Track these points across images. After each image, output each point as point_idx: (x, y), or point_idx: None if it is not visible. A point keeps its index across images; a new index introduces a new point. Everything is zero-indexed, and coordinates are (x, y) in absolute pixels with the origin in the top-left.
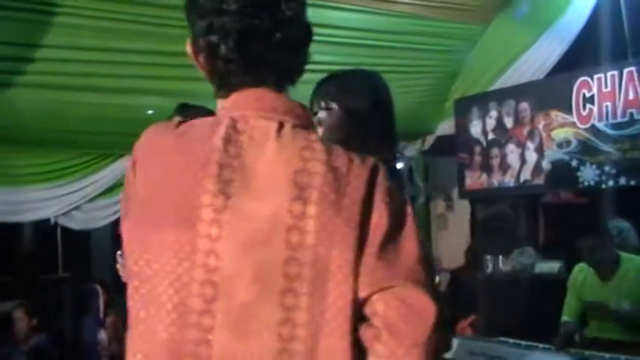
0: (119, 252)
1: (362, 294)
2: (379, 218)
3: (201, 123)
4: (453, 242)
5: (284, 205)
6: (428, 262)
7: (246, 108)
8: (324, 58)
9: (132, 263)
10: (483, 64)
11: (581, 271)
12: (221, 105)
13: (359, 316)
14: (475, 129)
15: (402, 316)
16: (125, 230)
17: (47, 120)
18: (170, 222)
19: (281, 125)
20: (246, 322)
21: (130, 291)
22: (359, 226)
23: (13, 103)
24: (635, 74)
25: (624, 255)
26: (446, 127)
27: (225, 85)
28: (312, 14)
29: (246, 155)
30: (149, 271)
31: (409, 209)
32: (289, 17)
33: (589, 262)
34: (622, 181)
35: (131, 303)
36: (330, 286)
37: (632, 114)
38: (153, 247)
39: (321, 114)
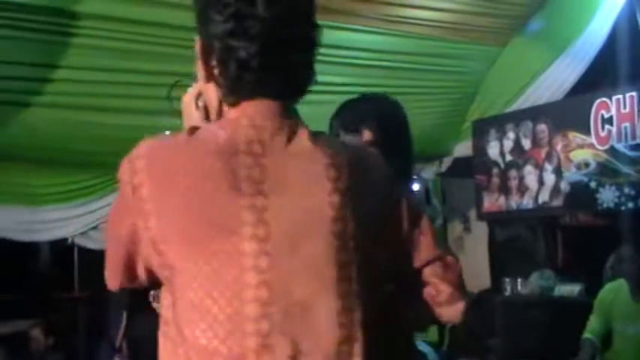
0: (152, 292)
1: (414, 265)
2: (399, 202)
3: (213, 130)
4: (471, 264)
5: (323, 198)
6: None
7: (261, 113)
8: (342, 79)
9: (168, 279)
10: (501, 85)
11: (611, 290)
12: (230, 112)
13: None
14: (493, 150)
15: (454, 282)
16: (150, 248)
17: (65, 140)
18: (209, 232)
19: (297, 128)
20: (306, 317)
21: (167, 308)
22: (385, 211)
23: (31, 123)
24: None
25: None
26: (463, 148)
27: (235, 91)
28: (331, 36)
29: (271, 155)
30: (194, 284)
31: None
32: (311, 36)
33: (625, 275)
34: None
35: (171, 320)
36: (368, 267)
37: None
38: (194, 261)
39: (347, 137)
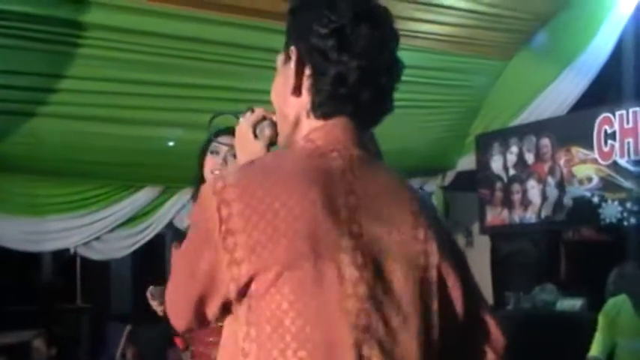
0: (151, 288)
1: (482, 314)
2: (456, 249)
3: (304, 155)
4: None
5: (408, 231)
6: None
7: (345, 141)
8: None
9: (266, 308)
10: (505, 99)
11: (616, 304)
12: (309, 128)
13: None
14: (496, 164)
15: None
16: (234, 282)
17: (68, 150)
18: (310, 256)
19: (368, 157)
20: (396, 347)
21: (244, 339)
22: (453, 250)
23: (36, 133)
24: None
25: None
26: (467, 162)
27: (325, 105)
28: None
29: (360, 183)
30: (291, 312)
31: None
32: (399, 63)
33: (627, 292)
34: None
35: (254, 349)
36: (447, 300)
37: None
38: (293, 288)
39: None
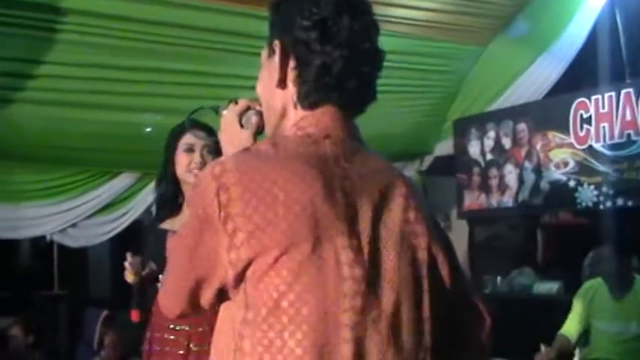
0: (129, 253)
1: (459, 299)
2: (443, 231)
3: (297, 142)
4: None
5: (400, 214)
6: None
7: (334, 129)
8: None
9: (264, 291)
10: (482, 84)
11: (592, 287)
12: (303, 120)
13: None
14: (473, 149)
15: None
16: (213, 261)
17: (46, 136)
18: (309, 239)
19: (358, 144)
20: (391, 326)
21: (242, 322)
22: (439, 230)
23: (12, 119)
24: (633, 95)
25: (638, 277)
26: (445, 147)
27: (311, 94)
28: None
29: (353, 169)
30: (290, 295)
31: None
32: (381, 52)
33: (603, 275)
34: (620, 202)
35: (248, 332)
36: (438, 280)
37: (629, 135)
38: (291, 270)
39: None
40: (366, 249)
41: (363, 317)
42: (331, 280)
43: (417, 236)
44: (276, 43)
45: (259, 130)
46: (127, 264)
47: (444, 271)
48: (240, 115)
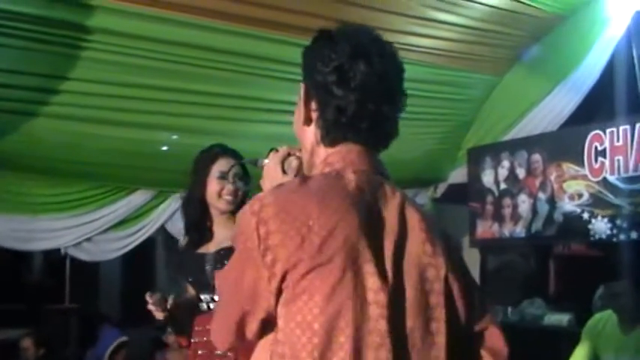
0: (149, 293)
1: (476, 328)
2: (462, 261)
3: (326, 177)
4: None
5: (420, 246)
6: None
7: (359, 164)
8: None
9: (305, 309)
10: (497, 114)
11: (601, 320)
12: (325, 153)
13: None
14: (487, 178)
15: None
16: (255, 298)
17: (65, 150)
18: (341, 267)
19: (381, 180)
20: (408, 352)
21: (298, 340)
22: (461, 266)
23: (34, 132)
24: None
25: None
26: (458, 175)
27: (331, 133)
28: None
29: (376, 204)
30: (321, 317)
31: None
32: (401, 93)
33: (614, 309)
34: (634, 235)
35: (299, 350)
36: (456, 313)
37: None
38: (324, 295)
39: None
40: (389, 277)
41: (386, 340)
42: (358, 304)
43: (434, 268)
44: (302, 85)
45: (300, 173)
46: (150, 306)
47: (459, 301)
48: (282, 162)
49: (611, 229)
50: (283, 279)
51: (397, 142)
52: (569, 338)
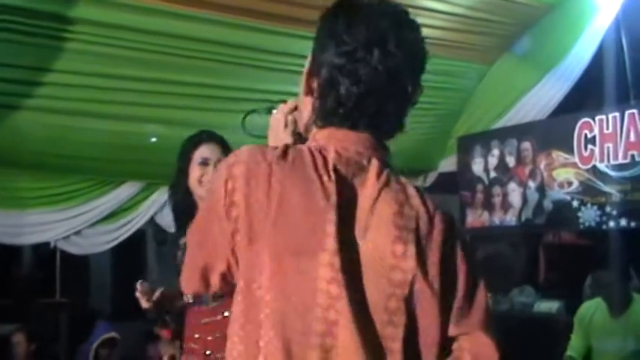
0: (140, 281)
1: (451, 332)
2: (461, 264)
3: (306, 152)
4: None
5: (387, 245)
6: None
7: (347, 143)
8: None
9: (252, 285)
10: (487, 102)
11: (590, 307)
12: (318, 133)
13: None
14: (477, 167)
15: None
16: (246, 253)
17: (51, 144)
18: (300, 249)
19: (376, 165)
20: (357, 346)
21: (240, 314)
22: (444, 269)
23: (18, 126)
24: (637, 116)
25: (638, 296)
26: (448, 164)
27: (325, 119)
28: None
29: (352, 189)
30: (267, 296)
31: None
32: (411, 92)
33: (602, 296)
34: (623, 222)
35: (248, 329)
36: (422, 320)
37: (633, 156)
38: (281, 272)
39: None
40: (345, 271)
41: (333, 329)
42: (309, 289)
43: (400, 271)
44: (309, 56)
45: (297, 131)
46: (138, 293)
47: (432, 309)
48: (286, 115)
49: (601, 217)
50: (239, 252)
51: None
52: (559, 326)
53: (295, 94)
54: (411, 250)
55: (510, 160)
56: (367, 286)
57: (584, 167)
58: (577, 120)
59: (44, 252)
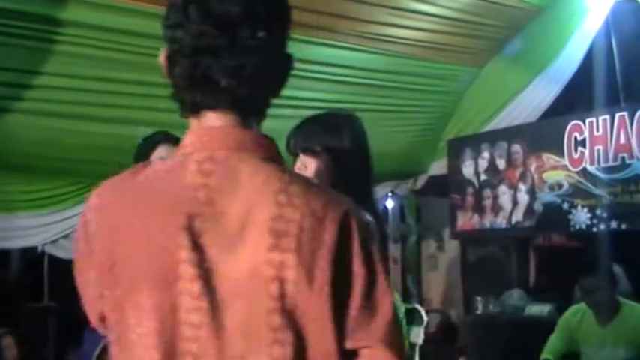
0: None
1: (347, 345)
2: (359, 268)
3: (163, 167)
4: (443, 282)
5: (262, 255)
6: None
7: (213, 146)
8: (320, 95)
9: (109, 328)
10: (477, 105)
11: (577, 312)
12: (186, 136)
13: None
14: (467, 170)
15: None
16: (92, 293)
17: (40, 147)
18: (147, 282)
19: (251, 164)
20: None
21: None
22: (336, 275)
23: (7, 128)
24: (627, 119)
25: (625, 301)
26: (439, 167)
27: (180, 102)
28: (308, 51)
29: (217, 201)
30: (132, 335)
31: (383, 262)
32: (252, 46)
33: (588, 303)
34: (613, 225)
35: None
36: (312, 335)
37: (623, 158)
38: (132, 310)
39: (307, 158)
40: (208, 296)
41: None
42: (167, 324)
43: (277, 282)
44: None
45: None
46: None
47: (319, 322)
48: None
49: (591, 220)
50: (101, 291)
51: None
52: (550, 329)
53: (297, 98)
54: (291, 258)
55: (500, 163)
56: (241, 306)
57: (574, 170)
58: (567, 122)
59: (32, 256)
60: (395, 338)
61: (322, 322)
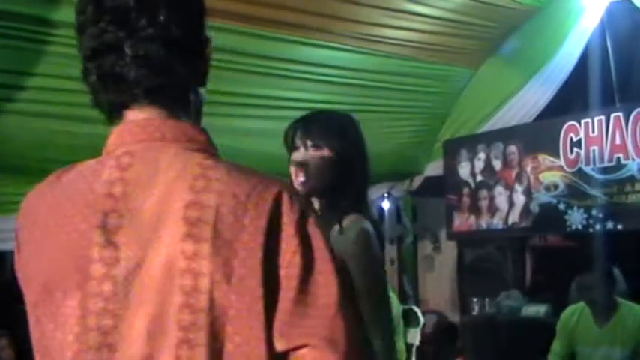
0: None
1: (277, 346)
2: (292, 256)
3: (85, 168)
4: (440, 283)
5: (176, 246)
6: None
7: (133, 140)
8: (314, 96)
9: (34, 339)
10: (473, 106)
11: (574, 312)
12: (109, 138)
13: None
14: (463, 171)
15: None
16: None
17: (34, 148)
18: (60, 286)
19: (170, 153)
20: None
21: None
22: (262, 265)
23: (1, 130)
24: (622, 120)
25: (622, 301)
26: (435, 168)
27: (100, 107)
28: (302, 53)
29: (133, 195)
30: (49, 343)
31: (328, 246)
32: (153, 34)
33: (586, 301)
34: (609, 225)
35: None
36: (233, 336)
37: (618, 159)
38: (48, 319)
39: (306, 155)
40: (121, 295)
41: None
42: (75, 331)
43: (191, 275)
44: None
45: None
46: None
47: (242, 321)
48: None
49: (587, 220)
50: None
51: (372, 135)
52: (547, 329)
53: (291, 99)
54: (205, 248)
55: (497, 164)
56: (153, 304)
57: (570, 170)
58: (563, 123)
59: None
60: (341, 335)
61: (246, 322)
